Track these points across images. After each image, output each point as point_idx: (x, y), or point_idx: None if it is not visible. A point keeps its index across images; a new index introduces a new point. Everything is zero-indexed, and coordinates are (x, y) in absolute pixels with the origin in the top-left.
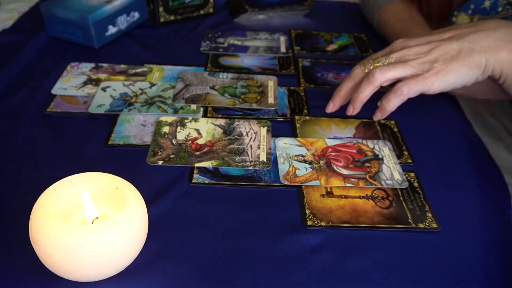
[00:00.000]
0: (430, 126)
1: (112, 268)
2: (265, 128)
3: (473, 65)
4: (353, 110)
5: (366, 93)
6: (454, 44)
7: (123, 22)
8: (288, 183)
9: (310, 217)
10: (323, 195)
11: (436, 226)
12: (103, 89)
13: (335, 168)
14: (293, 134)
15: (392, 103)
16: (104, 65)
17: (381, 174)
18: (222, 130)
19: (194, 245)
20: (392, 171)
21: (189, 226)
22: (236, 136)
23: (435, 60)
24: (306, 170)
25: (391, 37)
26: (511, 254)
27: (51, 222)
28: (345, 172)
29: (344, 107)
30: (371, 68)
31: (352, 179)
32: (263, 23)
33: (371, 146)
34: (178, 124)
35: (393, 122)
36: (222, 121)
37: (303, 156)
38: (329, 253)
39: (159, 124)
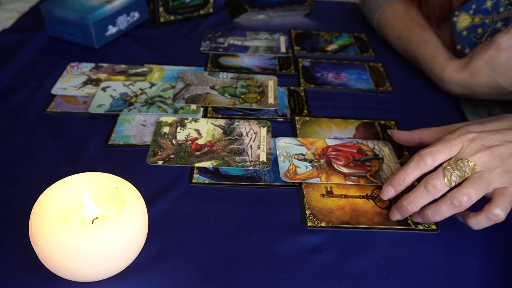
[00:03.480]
0: (430, 126)
1: (112, 268)
2: (265, 128)
3: None
4: (401, 217)
5: (444, 214)
6: None
7: (123, 22)
8: (289, 180)
9: (310, 218)
10: (323, 195)
11: (435, 227)
12: (103, 89)
13: (335, 166)
14: (293, 134)
15: (482, 225)
16: (104, 65)
17: (381, 173)
18: (222, 130)
19: (194, 245)
20: (392, 170)
21: (189, 226)
22: (236, 136)
23: None
24: (307, 168)
25: (391, 37)
26: (511, 254)
27: (51, 222)
28: (345, 170)
29: (345, 107)
30: (452, 179)
31: (353, 177)
32: (263, 23)
33: (371, 146)
34: (178, 124)
35: (393, 122)
36: (222, 121)
37: (303, 154)
38: (329, 253)
39: (159, 124)
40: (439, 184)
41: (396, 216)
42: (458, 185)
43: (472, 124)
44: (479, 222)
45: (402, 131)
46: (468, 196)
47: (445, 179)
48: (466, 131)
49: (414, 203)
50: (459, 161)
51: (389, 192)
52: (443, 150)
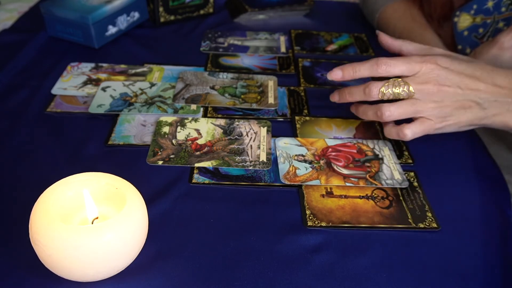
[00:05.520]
0: None
1: (112, 268)
2: (265, 128)
3: (477, 123)
4: (337, 99)
5: (369, 117)
6: (473, 102)
7: (123, 22)
8: (288, 183)
9: (310, 218)
10: (323, 195)
11: (436, 225)
12: (103, 89)
13: (335, 167)
14: (293, 134)
15: (391, 136)
16: (104, 65)
17: (381, 173)
18: (222, 130)
19: (194, 245)
20: (392, 171)
21: (189, 226)
22: (236, 136)
23: (451, 113)
24: (306, 169)
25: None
26: (511, 253)
27: (51, 222)
28: (345, 171)
29: (345, 107)
30: (386, 94)
31: (352, 179)
32: (263, 23)
33: (371, 146)
34: (178, 124)
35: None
36: (222, 121)
37: (303, 155)
38: (329, 253)
39: (159, 124)
40: (373, 92)
41: (334, 96)
42: (393, 101)
43: (446, 56)
44: (390, 132)
45: (388, 37)
46: (390, 113)
47: (381, 89)
48: (433, 60)
49: (351, 95)
50: (403, 82)
51: (337, 74)
52: (400, 66)
